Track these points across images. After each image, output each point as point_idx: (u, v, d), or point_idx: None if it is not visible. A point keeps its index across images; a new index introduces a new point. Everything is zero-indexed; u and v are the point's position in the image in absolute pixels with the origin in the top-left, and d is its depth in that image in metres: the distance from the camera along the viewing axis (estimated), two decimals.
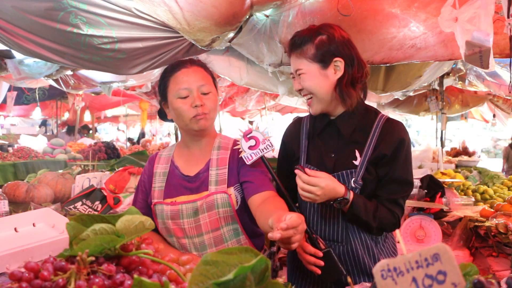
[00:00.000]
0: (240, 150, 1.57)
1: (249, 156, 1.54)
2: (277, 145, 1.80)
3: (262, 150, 1.53)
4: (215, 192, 1.61)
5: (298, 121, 1.79)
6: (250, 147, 1.54)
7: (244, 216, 1.65)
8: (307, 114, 1.77)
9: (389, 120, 1.61)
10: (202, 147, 1.70)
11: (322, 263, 1.43)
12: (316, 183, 1.42)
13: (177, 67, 1.66)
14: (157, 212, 1.66)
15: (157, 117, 1.87)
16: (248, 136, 1.55)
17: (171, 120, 1.78)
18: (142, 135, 11.38)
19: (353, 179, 1.55)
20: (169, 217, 1.63)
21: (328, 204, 1.55)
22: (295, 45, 1.58)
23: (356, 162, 1.56)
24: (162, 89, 1.69)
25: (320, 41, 1.53)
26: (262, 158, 1.55)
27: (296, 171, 1.46)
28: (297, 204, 1.73)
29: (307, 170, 1.46)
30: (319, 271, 1.43)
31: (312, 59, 1.54)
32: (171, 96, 1.63)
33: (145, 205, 1.72)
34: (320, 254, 1.44)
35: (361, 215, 1.51)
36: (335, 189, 1.46)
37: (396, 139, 1.56)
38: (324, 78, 1.55)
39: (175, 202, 1.63)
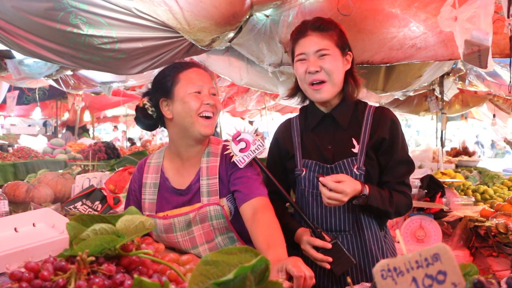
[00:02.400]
0: (231, 155, 1.52)
1: (241, 159, 1.50)
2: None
3: (254, 151, 1.50)
4: (207, 204, 1.56)
5: (288, 122, 1.80)
6: (241, 150, 1.50)
7: (240, 223, 1.59)
8: (296, 115, 1.79)
9: (378, 108, 1.68)
10: (194, 155, 1.64)
11: (330, 259, 1.43)
12: (343, 190, 1.43)
13: (187, 65, 1.64)
14: None
15: None
16: (237, 139, 1.51)
17: (151, 127, 1.69)
18: (73, 130, 10.78)
19: (356, 166, 1.57)
20: (162, 231, 1.60)
21: None
22: (321, 27, 1.59)
23: (355, 150, 1.59)
24: (168, 84, 1.59)
25: (340, 32, 1.62)
26: (255, 160, 1.52)
27: (321, 179, 1.45)
28: (288, 204, 1.74)
29: (328, 177, 1.45)
30: (328, 266, 1.44)
31: (336, 44, 1.59)
32: (182, 91, 1.56)
33: None
34: (329, 246, 1.44)
35: (379, 206, 1.54)
36: (356, 189, 1.47)
37: (389, 121, 1.62)
38: (342, 64, 1.61)
39: (167, 216, 1.60)
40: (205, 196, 1.58)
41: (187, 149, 1.63)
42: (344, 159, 1.58)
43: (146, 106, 1.64)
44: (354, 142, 1.60)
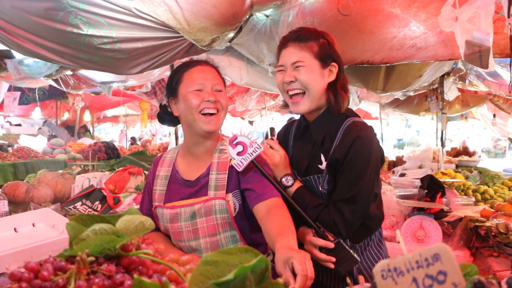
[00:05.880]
0: (229, 158, 1.54)
1: (239, 162, 1.50)
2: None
3: (251, 154, 1.50)
4: (213, 197, 1.58)
5: (289, 124, 1.82)
6: (239, 153, 1.51)
7: (243, 223, 1.62)
8: (298, 119, 1.78)
9: (351, 124, 1.57)
10: (205, 150, 1.67)
11: (334, 259, 1.41)
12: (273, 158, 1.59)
13: (192, 64, 1.67)
14: (158, 215, 1.67)
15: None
16: (234, 143, 1.52)
17: (172, 123, 1.78)
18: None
19: (320, 184, 1.57)
20: (168, 221, 1.63)
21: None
22: (300, 38, 1.58)
23: (322, 167, 1.58)
24: (174, 83, 1.66)
25: (323, 43, 1.59)
26: (253, 162, 1.51)
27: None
28: None
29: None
30: (332, 266, 1.42)
31: (315, 55, 1.57)
32: (184, 89, 1.61)
33: (151, 206, 1.73)
34: (332, 245, 1.42)
35: (306, 201, 1.57)
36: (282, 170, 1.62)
37: (350, 140, 1.50)
38: (321, 76, 1.58)
39: (174, 206, 1.63)
40: (212, 189, 1.60)
41: (197, 146, 1.67)
42: (312, 175, 1.60)
43: (167, 104, 1.73)
44: (322, 158, 1.58)
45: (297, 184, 1.62)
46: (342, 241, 1.43)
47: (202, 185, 1.63)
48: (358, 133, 1.50)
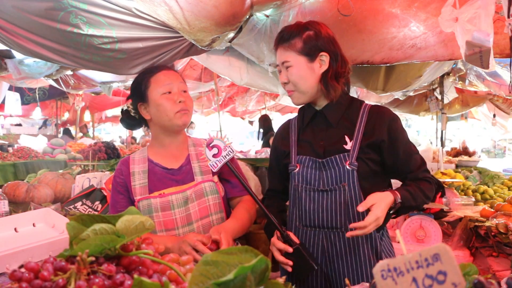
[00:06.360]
0: (205, 159, 1.65)
1: (214, 164, 1.61)
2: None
3: (225, 157, 1.60)
4: (202, 181, 1.73)
5: (286, 123, 1.85)
6: (214, 155, 1.62)
7: (227, 206, 1.81)
8: (296, 116, 1.83)
9: (374, 106, 1.67)
10: (178, 144, 1.80)
11: (291, 262, 1.48)
12: (374, 216, 1.41)
13: (156, 69, 1.78)
14: (141, 208, 1.69)
15: None
16: (210, 145, 1.63)
17: (137, 126, 1.89)
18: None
19: (348, 162, 1.57)
20: (159, 210, 1.67)
21: (325, 190, 1.60)
22: (283, 38, 1.63)
23: (347, 147, 1.60)
24: (142, 89, 1.75)
25: (308, 36, 1.59)
26: (227, 164, 1.61)
27: (351, 225, 1.42)
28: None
29: (359, 207, 1.43)
30: (290, 269, 1.48)
31: (300, 52, 1.59)
32: (154, 94, 1.71)
33: (127, 204, 1.74)
34: (290, 249, 1.49)
35: (413, 204, 1.55)
36: (388, 204, 1.46)
37: (386, 121, 1.61)
38: (310, 71, 1.60)
39: (164, 194, 1.69)
40: (199, 175, 1.75)
41: (171, 140, 1.79)
42: (336, 155, 1.60)
43: (129, 109, 1.83)
44: (347, 139, 1.61)
45: (396, 193, 1.53)
46: (301, 248, 1.49)
47: (186, 173, 1.75)
48: (391, 116, 1.63)
